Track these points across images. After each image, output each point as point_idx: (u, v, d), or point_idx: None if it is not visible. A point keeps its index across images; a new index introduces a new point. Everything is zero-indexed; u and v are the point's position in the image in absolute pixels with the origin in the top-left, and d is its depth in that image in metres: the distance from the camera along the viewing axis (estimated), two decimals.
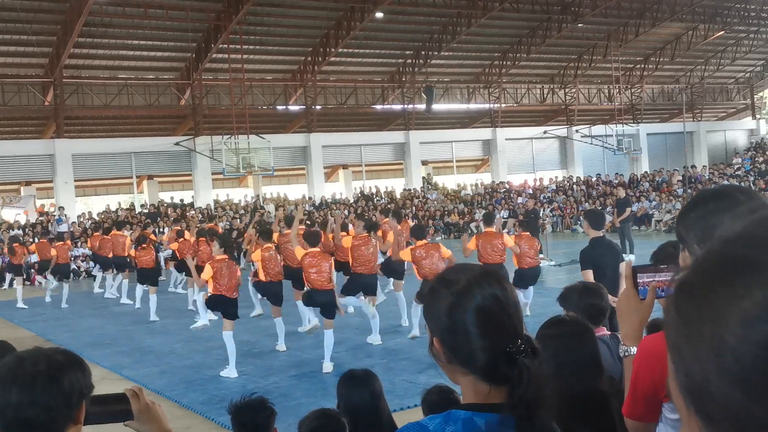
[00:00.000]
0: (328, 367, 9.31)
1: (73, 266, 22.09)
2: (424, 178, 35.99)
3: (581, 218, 29.58)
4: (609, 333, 3.63)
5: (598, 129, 37.69)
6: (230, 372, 9.42)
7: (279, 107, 32.49)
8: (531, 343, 1.57)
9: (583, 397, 2.43)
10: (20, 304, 17.28)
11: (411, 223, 16.75)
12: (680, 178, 32.41)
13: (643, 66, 39.55)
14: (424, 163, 36.48)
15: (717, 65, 41.30)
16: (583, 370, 2.57)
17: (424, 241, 10.70)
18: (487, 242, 11.21)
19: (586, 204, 31.21)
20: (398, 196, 33.72)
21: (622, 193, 21.78)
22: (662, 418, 1.83)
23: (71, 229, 25.22)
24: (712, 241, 0.69)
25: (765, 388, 0.60)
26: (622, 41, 35.36)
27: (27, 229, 25.30)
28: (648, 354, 1.81)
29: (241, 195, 33.50)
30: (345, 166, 35.83)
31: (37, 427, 1.72)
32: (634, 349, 2.00)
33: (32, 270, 21.52)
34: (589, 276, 7.04)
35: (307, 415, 3.38)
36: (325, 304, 9.51)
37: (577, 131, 38.09)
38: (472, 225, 31.42)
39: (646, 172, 36.14)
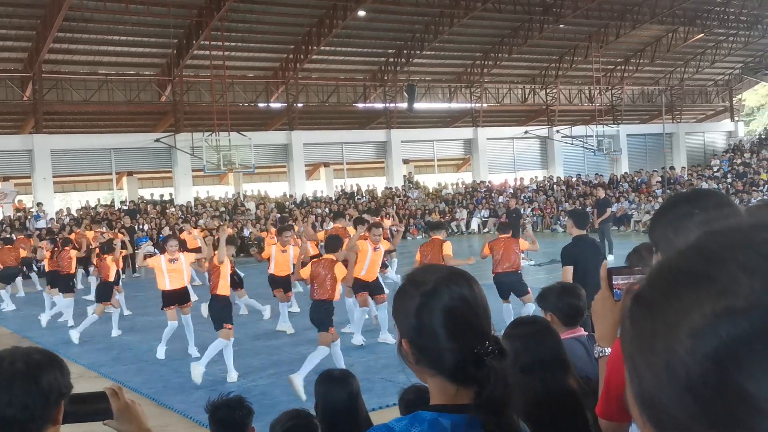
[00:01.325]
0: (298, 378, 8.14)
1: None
2: (405, 176, 36.03)
3: (566, 217, 29.84)
4: (586, 333, 3.65)
5: (579, 129, 37.94)
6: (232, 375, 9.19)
7: (260, 104, 32.39)
8: (499, 344, 1.57)
9: (549, 397, 2.45)
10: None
11: (390, 221, 16.54)
12: (659, 179, 32.71)
13: (623, 67, 39.86)
14: (406, 161, 36.53)
15: (696, 67, 41.71)
16: (547, 370, 2.60)
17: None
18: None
19: (566, 204, 31.41)
20: (379, 195, 33.74)
21: (601, 193, 21.93)
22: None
23: (50, 225, 24.97)
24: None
25: (713, 400, 0.62)
26: (603, 42, 35.61)
27: (4, 225, 25.02)
28: (620, 355, 1.83)
29: (221, 192, 33.36)
30: (326, 164, 35.81)
31: (15, 426, 1.71)
32: (608, 350, 2.01)
33: None
34: (569, 273, 7.11)
35: (279, 416, 3.39)
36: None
37: (557, 131, 38.31)
38: (453, 224, 31.52)
39: (625, 172, 36.42)
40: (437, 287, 1.58)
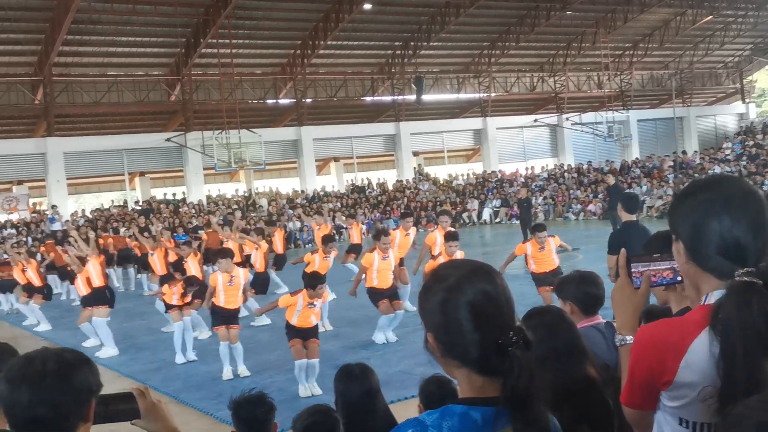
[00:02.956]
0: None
1: None
2: (415, 168, 36.01)
3: (578, 204, 29.74)
4: (604, 321, 3.65)
5: (589, 116, 37.77)
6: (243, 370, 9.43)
7: (269, 101, 32.44)
8: (523, 334, 1.61)
9: (567, 387, 2.46)
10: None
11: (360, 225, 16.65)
12: (671, 163, 32.53)
13: (632, 52, 39.60)
14: (416, 153, 36.50)
15: (706, 50, 41.39)
16: (561, 361, 2.60)
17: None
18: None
19: (578, 192, 31.33)
20: (390, 188, 33.74)
21: (611, 180, 21.82)
22: (660, 406, 1.88)
23: (65, 227, 25.15)
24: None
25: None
26: (611, 28, 35.39)
27: (20, 228, 25.23)
28: (645, 343, 1.84)
29: (232, 190, 33.47)
30: (336, 159, 35.85)
31: (48, 425, 1.75)
32: (630, 338, 2.02)
33: None
34: (612, 261, 6.80)
35: (300, 412, 3.42)
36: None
37: (567, 119, 38.15)
38: (464, 215, 31.50)
39: (637, 158, 36.25)
40: (460, 282, 1.63)
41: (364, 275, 10.58)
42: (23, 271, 15.30)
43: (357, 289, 10.75)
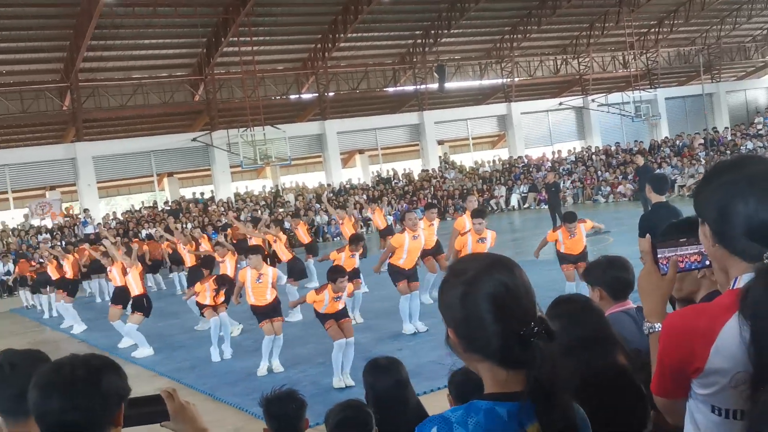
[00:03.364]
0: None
1: None
2: (440, 157, 35.90)
3: (607, 187, 29.42)
4: (635, 306, 3.60)
5: (615, 97, 37.31)
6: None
7: (292, 96, 32.52)
8: (545, 325, 1.59)
9: (595, 377, 2.42)
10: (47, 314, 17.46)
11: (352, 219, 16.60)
12: (702, 141, 32.03)
13: (657, 30, 39.00)
14: (440, 142, 36.38)
15: (733, 24, 40.60)
16: (589, 349, 2.54)
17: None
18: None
19: (606, 174, 31.00)
20: (416, 178, 33.68)
21: (640, 160, 21.57)
22: (692, 394, 1.84)
23: (97, 230, 25.52)
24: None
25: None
26: (634, 6, 34.86)
27: (54, 233, 25.64)
28: (674, 330, 1.80)
29: (260, 186, 33.66)
30: (361, 151, 35.85)
31: (79, 430, 1.77)
32: (658, 326, 1.99)
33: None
34: (643, 244, 6.71)
35: (332, 407, 3.43)
36: None
37: (593, 101, 37.74)
38: (492, 202, 31.35)
39: (666, 137, 35.75)
40: (478, 275, 1.62)
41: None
42: (58, 267, 15.55)
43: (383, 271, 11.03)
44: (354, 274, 11.83)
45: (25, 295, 19.20)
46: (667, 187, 7.39)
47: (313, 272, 15.11)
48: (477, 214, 10.29)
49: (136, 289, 11.68)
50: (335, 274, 8.41)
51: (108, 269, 12.69)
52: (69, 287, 15.28)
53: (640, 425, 2.49)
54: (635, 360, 2.90)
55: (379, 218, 17.35)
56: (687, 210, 6.73)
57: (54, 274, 15.69)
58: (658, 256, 2.04)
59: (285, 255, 13.86)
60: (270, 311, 9.51)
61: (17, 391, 2.37)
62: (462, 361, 1.70)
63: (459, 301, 1.62)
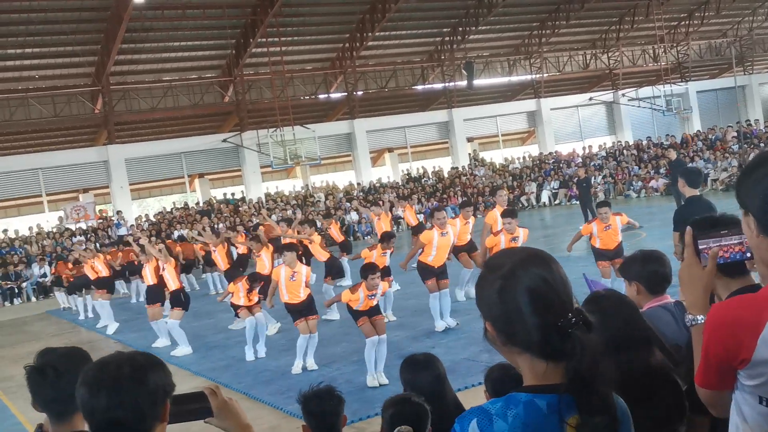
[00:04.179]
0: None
1: None
2: (470, 154, 35.77)
3: (638, 182, 29.09)
4: (673, 301, 3.55)
5: (646, 91, 36.85)
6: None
7: (321, 96, 32.63)
8: (582, 315, 1.59)
9: (631, 377, 2.39)
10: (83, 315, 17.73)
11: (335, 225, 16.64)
12: (735, 134, 31.53)
13: (687, 22, 38.45)
14: (470, 139, 36.25)
15: (765, 15, 39.88)
16: (623, 348, 2.51)
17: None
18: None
19: (638, 168, 30.66)
20: (446, 175, 33.61)
21: (673, 154, 21.29)
22: (738, 385, 1.82)
23: (130, 232, 25.83)
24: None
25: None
26: None
27: (89, 235, 26.02)
28: (719, 322, 1.79)
29: (290, 186, 33.82)
30: (390, 149, 35.85)
31: (127, 426, 1.79)
32: (701, 318, 1.97)
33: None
34: (677, 237, 6.61)
35: (388, 399, 3.40)
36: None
37: (623, 95, 37.33)
38: (523, 198, 31.17)
39: (698, 131, 35.25)
40: (515, 269, 1.63)
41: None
42: (93, 266, 15.78)
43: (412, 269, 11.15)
44: (385, 273, 11.84)
45: (61, 297, 19.51)
46: (701, 181, 7.32)
47: (347, 270, 15.19)
48: (506, 214, 10.28)
49: (172, 284, 11.75)
50: (367, 271, 8.43)
51: (142, 267, 12.82)
52: (106, 285, 15.49)
53: (677, 421, 2.46)
54: (675, 355, 2.87)
55: (410, 215, 17.35)
56: (721, 204, 6.64)
57: (91, 275, 15.92)
58: (699, 247, 2.02)
59: (322, 255, 13.86)
60: (304, 309, 9.53)
61: (61, 393, 2.42)
62: (500, 354, 1.71)
63: (497, 296, 1.63)
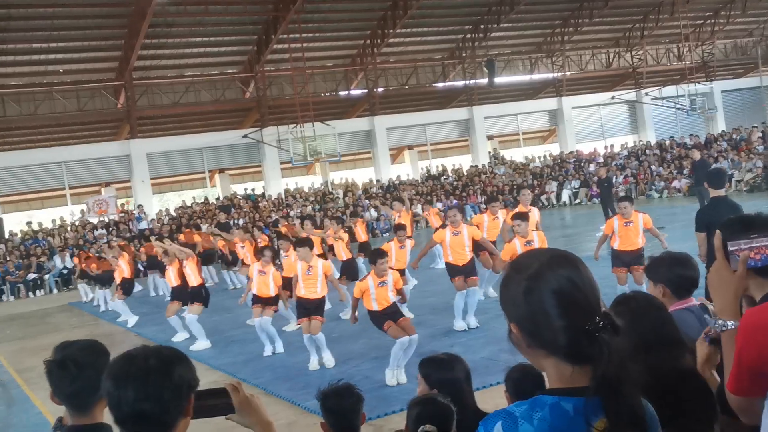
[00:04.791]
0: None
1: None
2: (490, 153, 35.64)
3: (660, 182, 28.83)
4: (698, 303, 3.51)
5: (669, 90, 36.53)
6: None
7: (341, 93, 32.65)
8: (611, 320, 1.57)
9: (660, 380, 2.35)
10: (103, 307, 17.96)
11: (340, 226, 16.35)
12: (760, 135, 31.15)
13: (713, 21, 38.03)
14: (490, 137, 36.11)
15: None
16: (654, 351, 2.47)
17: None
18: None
19: (660, 168, 30.39)
20: (465, 173, 33.51)
21: (697, 155, 21.07)
22: None
23: (151, 226, 26.03)
24: None
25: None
26: None
27: (110, 228, 26.24)
28: (754, 327, 1.76)
29: (309, 182, 33.89)
30: (410, 147, 35.81)
31: (152, 419, 1.81)
32: (731, 324, 1.93)
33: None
34: (701, 239, 6.56)
35: (413, 399, 3.38)
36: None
37: (646, 94, 37.00)
38: (543, 197, 31.01)
39: (722, 131, 34.85)
40: (542, 270, 1.60)
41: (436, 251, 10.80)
42: (120, 267, 15.84)
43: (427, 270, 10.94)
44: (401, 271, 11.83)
45: (84, 289, 19.66)
46: (725, 181, 7.21)
47: (363, 272, 15.15)
48: (517, 216, 10.04)
49: (194, 280, 11.82)
50: (375, 256, 8.38)
51: (166, 269, 12.88)
52: (126, 287, 15.55)
53: (707, 425, 2.42)
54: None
55: (435, 218, 17.19)
56: (745, 205, 6.51)
57: (118, 277, 15.85)
58: (729, 250, 1.98)
59: (345, 254, 13.76)
60: (313, 309, 9.51)
61: (81, 386, 2.44)
62: (524, 357, 1.67)
63: (523, 297, 1.60)
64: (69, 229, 26.62)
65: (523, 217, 9.97)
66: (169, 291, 13.45)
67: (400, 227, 12.19)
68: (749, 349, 1.75)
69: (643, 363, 2.33)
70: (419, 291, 13.30)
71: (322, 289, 9.65)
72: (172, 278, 12.38)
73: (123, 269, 15.64)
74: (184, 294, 12.18)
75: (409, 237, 12.78)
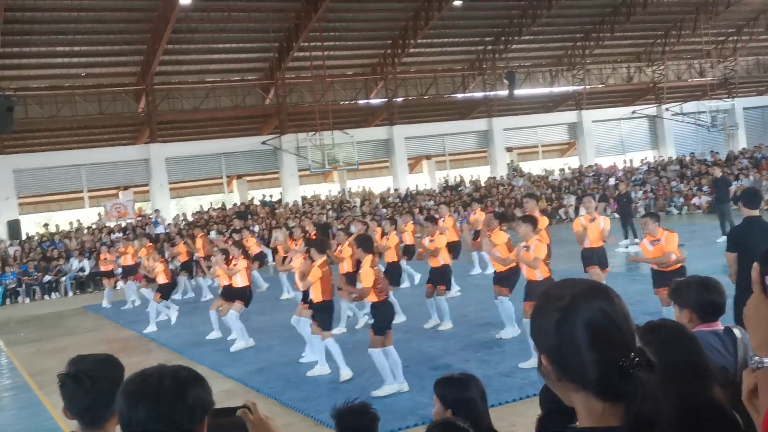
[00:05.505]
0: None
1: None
2: (508, 164, 35.50)
3: (680, 198, 28.57)
4: (722, 328, 3.43)
5: (690, 106, 36.27)
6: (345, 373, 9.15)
7: (360, 102, 32.69)
8: (645, 356, 1.50)
9: (691, 411, 2.27)
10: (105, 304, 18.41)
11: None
12: None
13: (736, 38, 37.75)
14: (509, 149, 35.99)
15: None
16: (685, 381, 2.39)
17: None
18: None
19: (681, 185, 30.12)
20: (483, 185, 33.40)
21: (718, 172, 20.83)
22: None
23: (168, 231, 26.10)
24: None
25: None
26: (712, 13, 33.85)
27: (128, 232, 26.34)
28: None
29: (327, 190, 33.90)
30: (428, 157, 35.77)
31: None
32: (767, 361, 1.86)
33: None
34: (731, 259, 6.40)
35: (434, 424, 3.33)
36: None
37: (667, 109, 36.75)
38: (561, 211, 30.81)
39: (744, 148, 34.52)
40: (575, 301, 1.54)
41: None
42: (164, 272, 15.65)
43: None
44: (442, 278, 11.74)
45: (108, 295, 19.09)
46: (760, 201, 7.04)
47: (412, 276, 15.31)
48: (496, 215, 10.61)
49: (240, 281, 12.09)
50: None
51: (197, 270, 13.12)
52: (165, 291, 15.42)
53: None
54: (721, 378, 2.75)
55: (410, 235, 16.68)
56: None
57: (161, 280, 15.71)
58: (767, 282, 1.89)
59: (392, 256, 13.10)
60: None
61: (95, 401, 2.40)
62: (554, 390, 1.61)
63: (554, 328, 1.53)
64: (86, 231, 26.75)
65: (501, 217, 10.70)
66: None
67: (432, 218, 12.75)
68: None
69: (673, 396, 2.26)
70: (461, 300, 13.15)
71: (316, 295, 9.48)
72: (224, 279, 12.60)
73: (162, 274, 15.40)
74: (230, 293, 12.33)
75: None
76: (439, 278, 11.79)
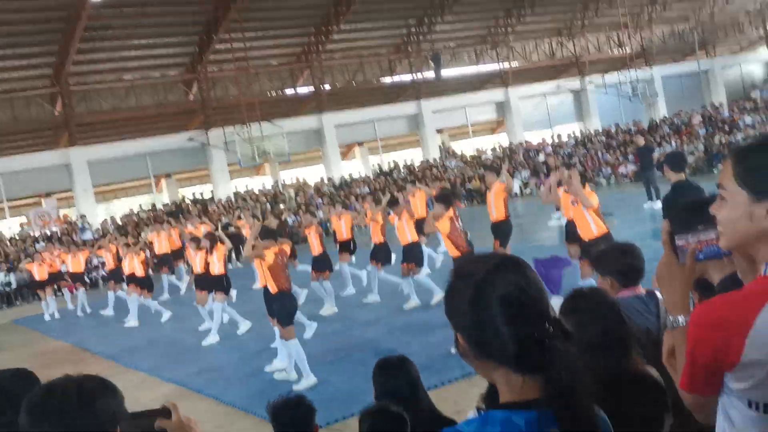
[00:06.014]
0: None
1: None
2: (440, 146, 35.74)
3: (607, 168, 29.26)
4: (645, 291, 3.54)
5: (612, 78, 37.11)
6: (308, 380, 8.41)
7: (287, 91, 32.34)
8: (561, 326, 1.52)
9: (613, 377, 2.29)
10: (47, 316, 17.58)
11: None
12: (700, 118, 31.87)
13: (650, 8, 38.78)
14: (440, 131, 36.22)
15: None
16: (607, 348, 2.42)
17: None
18: None
19: (607, 155, 30.85)
20: (416, 168, 33.54)
21: (641, 140, 21.35)
22: (725, 389, 1.73)
23: (95, 236, 25.39)
24: None
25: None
26: None
27: (53, 241, 25.49)
28: (704, 323, 1.71)
29: (260, 184, 33.51)
30: (360, 143, 35.72)
31: None
32: (682, 319, 1.89)
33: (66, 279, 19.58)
34: (668, 226, 6.43)
35: (365, 410, 3.29)
36: None
37: (590, 82, 37.56)
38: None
39: (665, 116, 35.58)
40: (488, 276, 1.53)
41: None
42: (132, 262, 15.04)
43: None
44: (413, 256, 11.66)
45: (51, 304, 18.00)
46: (685, 164, 7.17)
47: (432, 255, 14.65)
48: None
49: (217, 269, 11.91)
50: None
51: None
52: (144, 284, 14.86)
53: (658, 426, 2.40)
54: (645, 338, 2.82)
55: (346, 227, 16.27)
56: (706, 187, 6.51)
57: (129, 270, 15.11)
58: (677, 243, 1.93)
59: (378, 238, 12.78)
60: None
61: (7, 417, 2.26)
62: (473, 368, 1.60)
63: (469, 305, 1.52)
64: (9, 243, 25.77)
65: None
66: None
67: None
68: (702, 346, 1.70)
69: (594, 364, 2.26)
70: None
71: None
72: (197, 264, 12.42)
73: (136, 267, 14.86)
74: (206, 282, 12.13)
75: None
76: (410, 256, 11.74)
